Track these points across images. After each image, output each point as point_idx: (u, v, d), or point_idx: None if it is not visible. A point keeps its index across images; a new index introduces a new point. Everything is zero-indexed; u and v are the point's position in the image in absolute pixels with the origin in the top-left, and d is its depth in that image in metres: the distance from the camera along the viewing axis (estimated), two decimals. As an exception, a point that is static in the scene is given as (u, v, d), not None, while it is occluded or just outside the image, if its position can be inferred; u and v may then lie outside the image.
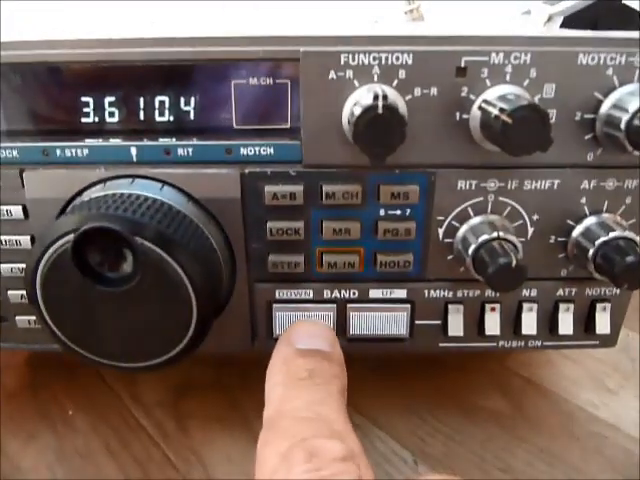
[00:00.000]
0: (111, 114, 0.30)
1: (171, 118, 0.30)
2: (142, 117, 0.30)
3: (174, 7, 0.55)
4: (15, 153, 0.30)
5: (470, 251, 0.30)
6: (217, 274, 0.30)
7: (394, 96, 0.27)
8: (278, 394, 0.25)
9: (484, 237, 0.29)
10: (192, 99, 0.30)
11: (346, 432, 0.22)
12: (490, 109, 0.26)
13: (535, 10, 0.57)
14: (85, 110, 0.30)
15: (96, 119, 0.30)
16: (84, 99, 0.30)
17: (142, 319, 0.28)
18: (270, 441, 0.22)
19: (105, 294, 0.27)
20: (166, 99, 0.30)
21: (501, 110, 0.25)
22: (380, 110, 0.24)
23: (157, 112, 0.30)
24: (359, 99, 0.27)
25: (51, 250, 0.27)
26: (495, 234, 0.29)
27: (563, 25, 0.53)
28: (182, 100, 0.30)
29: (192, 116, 0.30)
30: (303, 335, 0.27)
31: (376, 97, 0.25)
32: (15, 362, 0.45)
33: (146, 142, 0.30)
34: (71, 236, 0.26)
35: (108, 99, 0.30)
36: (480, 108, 0.27)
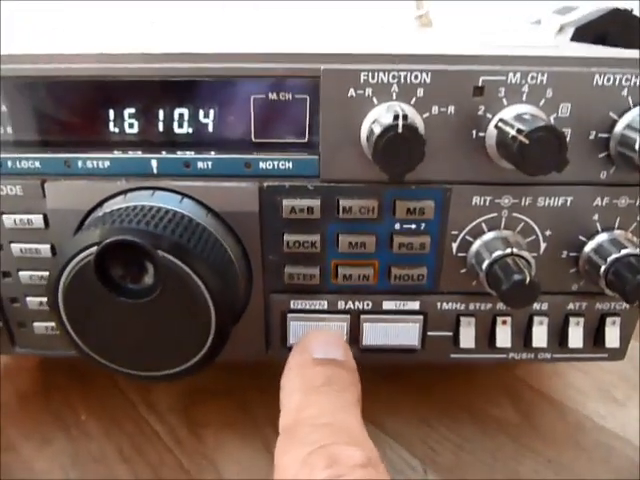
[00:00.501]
0: (131, 126, 0.30)
1: (190, 130, 0.30)
2: (162, 129, 0.30)
3: (172, 7, 0.55)
4: (37, 164, 0.30)
5: (484, 266, 0.30)
6: (235, 285, 0.31)
7: (412, 114, 0.28)
8: (295, 401, 0.25)
9: (498, 253, 0.30)
10: (211, 112, 0.30)
11: (364, 439, 0.23)
12: (507, 129, 0.26)
13: (546, 20, 0.57)
14: (106, 122, 0.30)
15: (116, 131, 0.30)
16: (105, 111, 0.30)
17: (162, 329, 0.28)
18: (289, 448, 0.23)
19: (126, 305, 0.27)
20: (185, 112, 0.30)
21: (518, 131, 0.25)
22: (400, 130, 0.25)
23: (176, 124, 0.30)
24: (378, 117, 0.27)
25: (74, 262, 0.27)
26: (509, 250, 0.30)
27: (574, 36, 0.53)
28: (201, 113, 0.30)
29: (211, 129, 0.30)
30: (318, 344, 0.28)
31: (396, 117, 0.25)
32: (28, 365, 0.45)
33: (167, 155, 0.30)
34: (94, 249, 0.26)
35: (128, 111, 0.30)
36: (497, 127, 0.28)
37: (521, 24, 0.63)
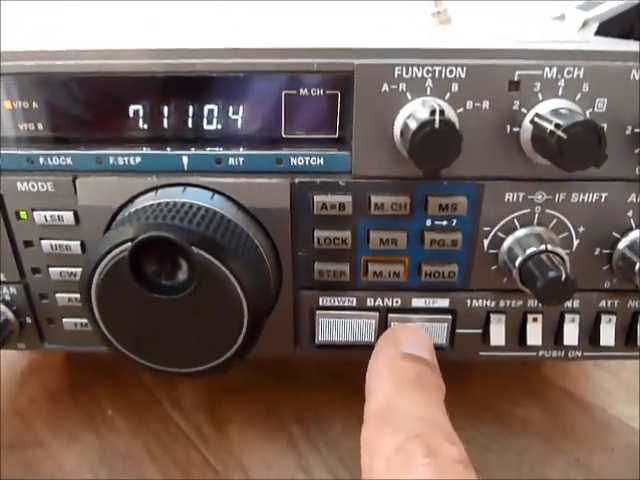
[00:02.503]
0: (161, 122, 0.30)
1: (219, 126, 0.30)
2: (191, 126, 0.30)
3: (171, 7, 0.55)
4: (69, 160, 0.31)
5: (517, 263, 0.30)
6: (266, 282, 0.31)
7: (447, 109, 0.27)
8: (386, 390, 0.25)
9: (532, 249, 0.29)
10: (241, 108, 0.30)
11: (458, 440, 0.22)
12: (544, 124, 0.26)
13: (569, 15, 0.56)
14: (137, 118, 0.30)
15: (146, 127, 0.30)
16: (136, 108, 0.30)
17: (195, 325, 0.28)
18: (383, 432, 0.22)
19: (159, 301, 0.27)
20: (215, 108, 0.30)
21: (556, 126, 0.25)
22: (437, 125, 0.25)
23: (206, 120, 0.30)
24: (413, 112, 0.27)
25: (107, 258, 0.27)
26: (543, 246, 0.29)
27: (598, 31, 0.53)
28: (231, 109, 0.30)
29: (240, 125, 0.30)
30: (408, 341, 0.28)
31: (433, 112, 0.25)
32: (55, 362, 0.46)
33: (198, 151, 0.30)
34: (128, 245, 0.26)
35: (159, 107, 0.30)
36: (532, 122, 0.27)
37: (542, 20, 0.62)
